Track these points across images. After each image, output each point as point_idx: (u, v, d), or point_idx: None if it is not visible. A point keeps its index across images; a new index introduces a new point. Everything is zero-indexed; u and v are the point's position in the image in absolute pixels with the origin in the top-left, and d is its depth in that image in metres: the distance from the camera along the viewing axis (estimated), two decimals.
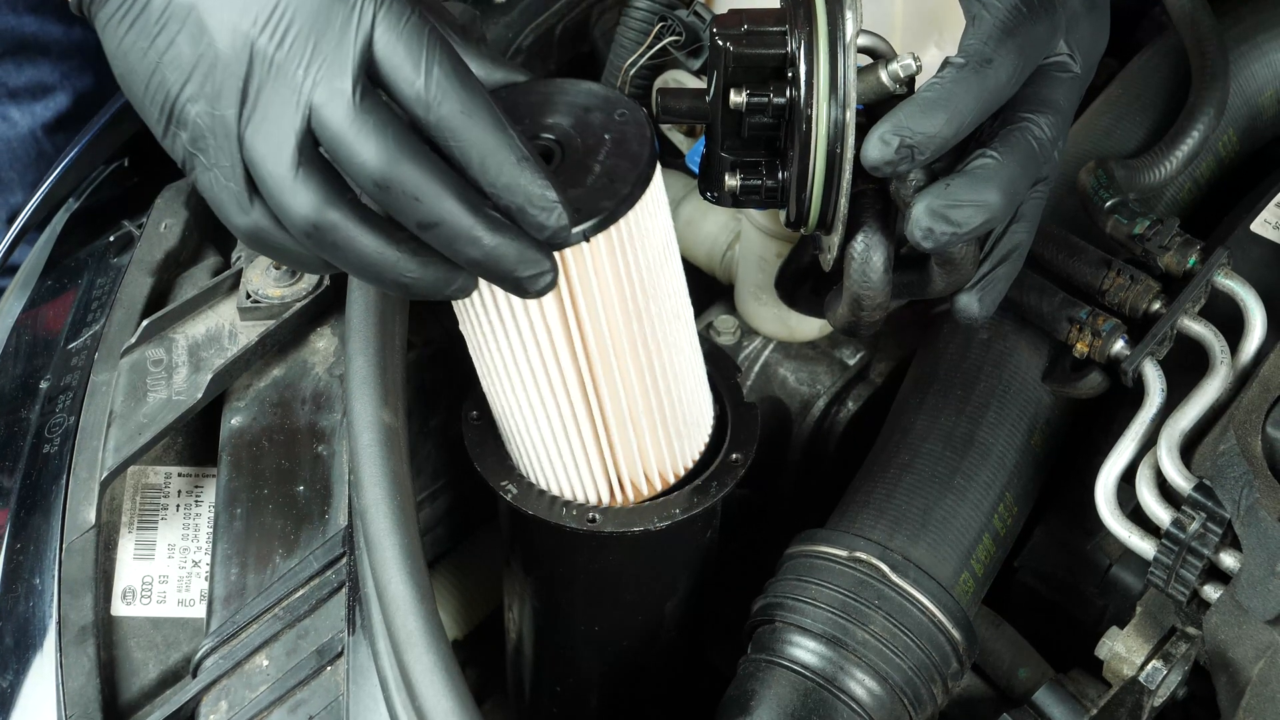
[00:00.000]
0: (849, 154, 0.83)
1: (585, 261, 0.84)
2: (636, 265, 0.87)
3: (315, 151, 0.76)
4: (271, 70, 0.76)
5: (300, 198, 0.76)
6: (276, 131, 0.76)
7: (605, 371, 0.91)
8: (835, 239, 0.88)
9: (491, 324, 0.90)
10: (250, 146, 0.76)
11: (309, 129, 0.76)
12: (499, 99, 0.79)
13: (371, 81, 0.76)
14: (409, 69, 0.76)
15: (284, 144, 0.75)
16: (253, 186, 0.78)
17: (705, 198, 0.90)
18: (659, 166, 0.87)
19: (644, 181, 0.86)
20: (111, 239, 1.17)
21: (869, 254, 0.86)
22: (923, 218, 0.83)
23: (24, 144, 1.47)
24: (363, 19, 0.76)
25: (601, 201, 0.83)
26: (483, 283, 0.84)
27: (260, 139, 0.76)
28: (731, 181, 0.88)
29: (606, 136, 0.87)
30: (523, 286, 0.80)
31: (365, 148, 0.75)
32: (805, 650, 0.98)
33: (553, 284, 0.80)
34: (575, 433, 0.95)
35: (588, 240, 0.83)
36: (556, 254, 0.81)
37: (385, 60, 0.76)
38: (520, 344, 0.90)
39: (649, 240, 0.88)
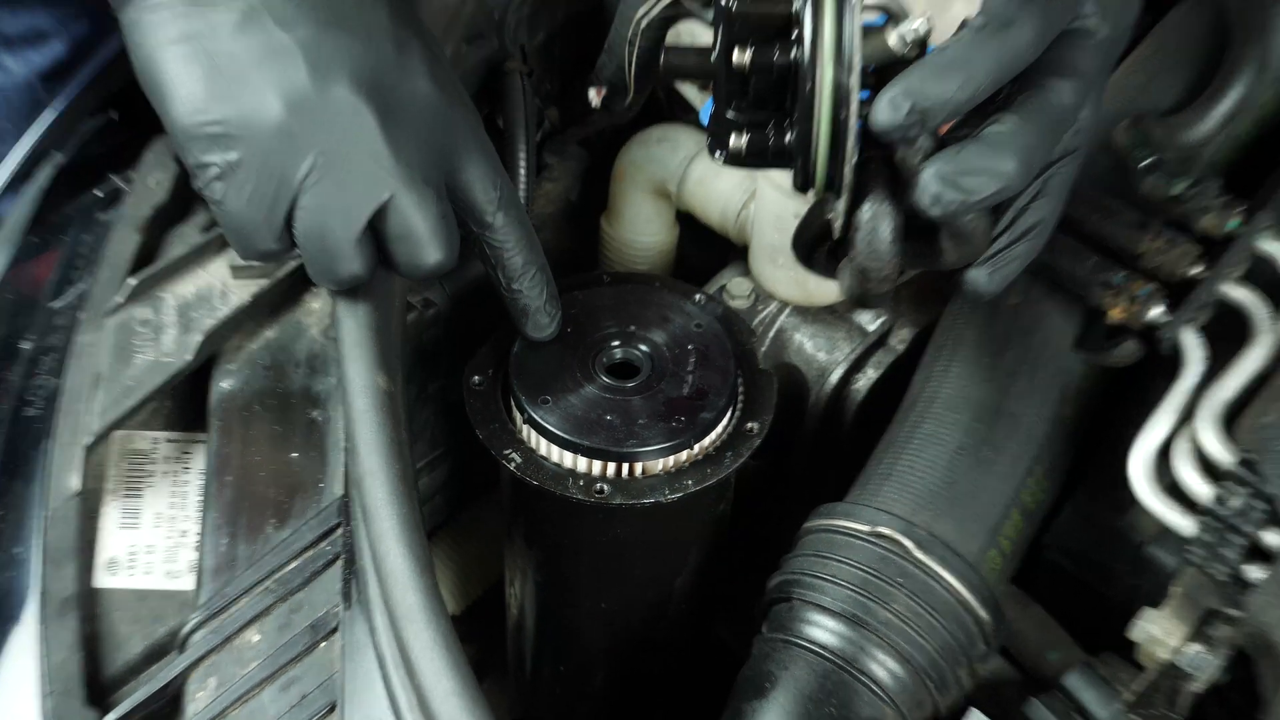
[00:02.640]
0: (853, 119, 0.82)
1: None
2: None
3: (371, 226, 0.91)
4: (368, 145, 0.89)
5: (356, 264, 0.91)
6: (353, 201, 0.89)
7: None
8: (842, 205, 0.87)
9: None
10: (315, 196, 0.89)
11: (381, 210, 0.90)
12: (577, 302, 1.06)
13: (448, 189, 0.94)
14: (488, 185, 0.96)
15: (358, 214, 0.89)
16: (289, 222, 0.89)
17: (713, 157, 0.89)
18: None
19: (734, 393, 1.02)
20: (98, 194, 1.16)
21: (876, 224, 0.85)
22: (931, 183, 0.82)
23: (20, 93, 1.47)
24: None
25: (701, 414, 1.00)
26: None
27: (329, 196, 0.89)
28: (737, 142, 0.87)
29: (690, 347, 1.04)
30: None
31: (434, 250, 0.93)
32: (824, 630, 0.97)
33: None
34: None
35: (690, 449, 0.99)
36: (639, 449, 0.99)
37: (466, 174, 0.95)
38: None
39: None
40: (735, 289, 1.24)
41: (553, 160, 1.36)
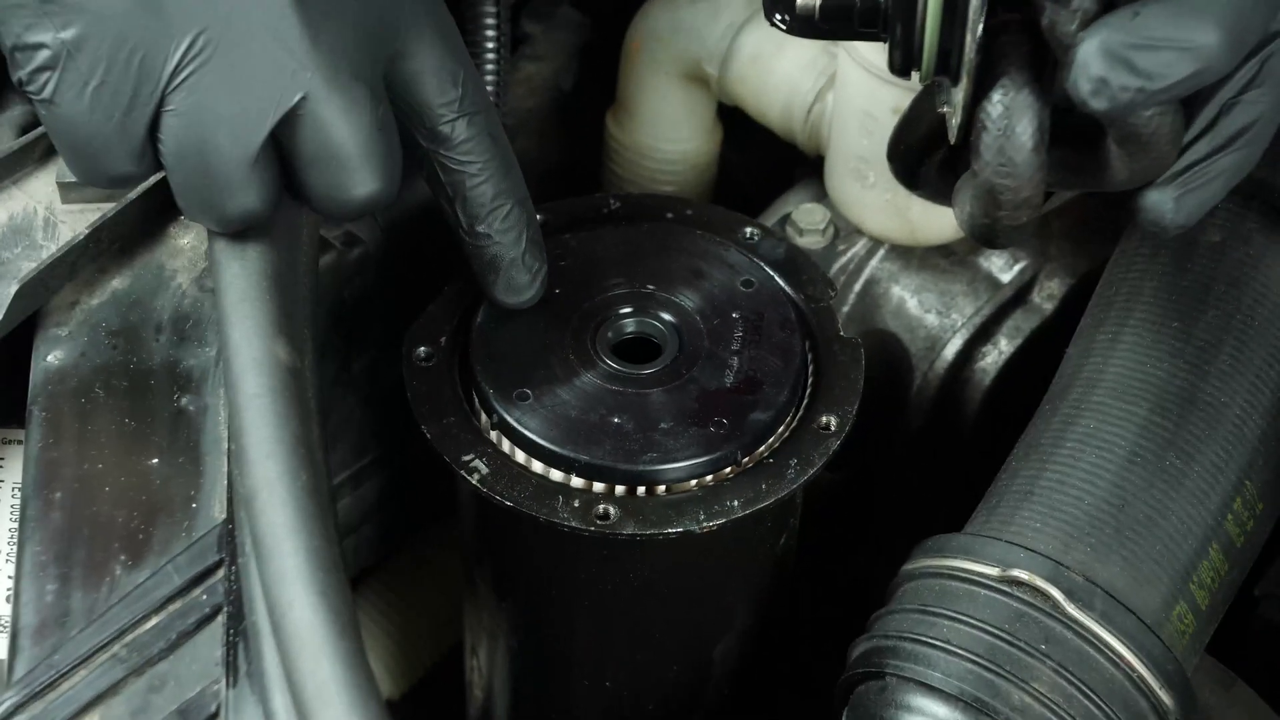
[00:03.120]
0: None
1: None
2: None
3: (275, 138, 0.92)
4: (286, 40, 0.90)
5: (250, 195, 0.92)
6: (249, 105, 0.89)
7: None
8: (962, 94, 0.87)
9: None
10: (193, 96, 0.89)
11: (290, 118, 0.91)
12: (569, 248, 1.08)
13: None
14: (445, 80, 0.97)
15: (256, 124, 0.90)
16: (152, 132, 0.90)
17: (773, 23, 0.90)
18: None
19: (801, 376, 1.04)
20: None
21: (1010, 122, 0.86)
22: (1094, 62, 0.81)
23: None
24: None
25: (751, 415, 1.01)
26: None
27: (213, 95, 0.89)
28: None
29: (735, 315, 1.05)
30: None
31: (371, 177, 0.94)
32: None
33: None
34: None
35: (736, 464, 1.01)
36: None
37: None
38: None
39: None
40: (804, 219, 1.24)
41: (535, 29, 1.36)
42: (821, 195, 1.26)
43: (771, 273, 1.08)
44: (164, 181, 1.02)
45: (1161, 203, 0.89)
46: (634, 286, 1.07)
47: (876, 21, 0.87)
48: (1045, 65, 0.86)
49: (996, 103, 0.86)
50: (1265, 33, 0.86)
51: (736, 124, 1.34)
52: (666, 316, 1.06)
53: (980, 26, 0.83)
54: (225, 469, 0.97)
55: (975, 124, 0.87)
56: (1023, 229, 0.90)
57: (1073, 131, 0.89)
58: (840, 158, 1.23)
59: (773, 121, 1.28)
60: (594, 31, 1.38)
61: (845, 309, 1.23)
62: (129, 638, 0.92)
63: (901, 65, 0.87)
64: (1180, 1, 0.82)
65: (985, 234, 0.91)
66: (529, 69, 1.35)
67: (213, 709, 0.90)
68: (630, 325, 1.06)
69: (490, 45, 1.20)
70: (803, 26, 0.89)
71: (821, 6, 0.88)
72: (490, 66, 1.20)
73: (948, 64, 0.86)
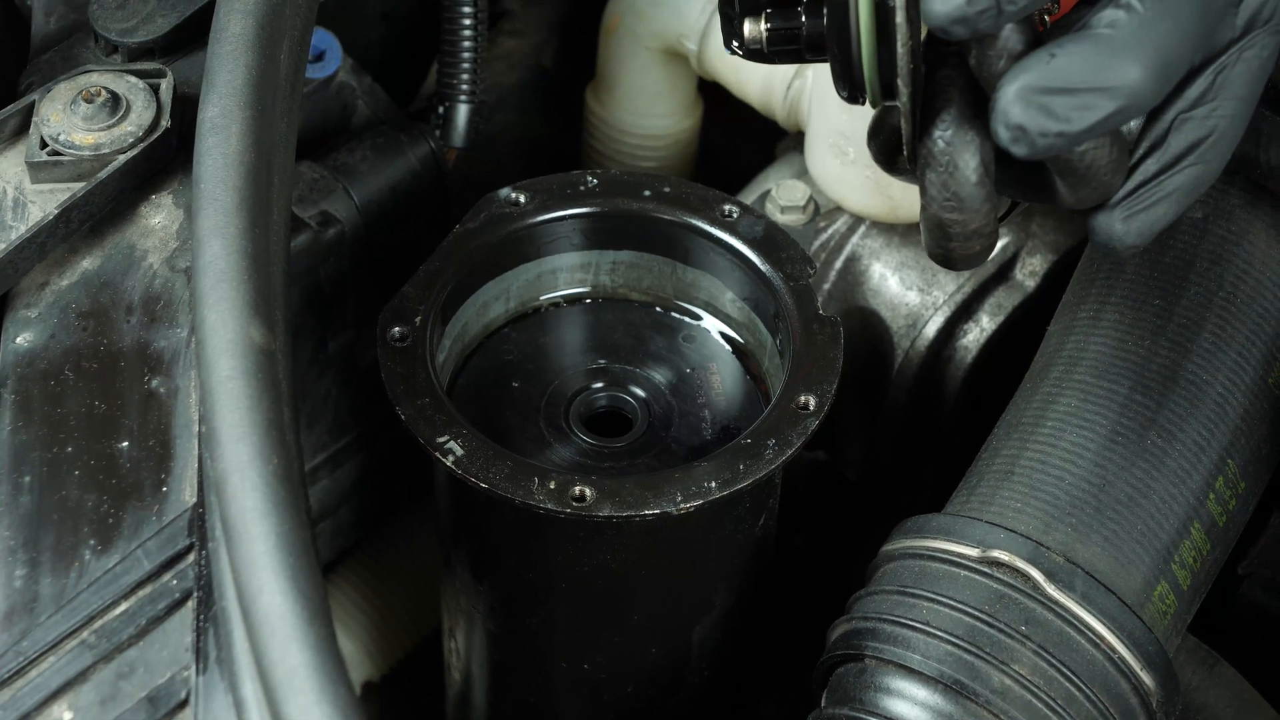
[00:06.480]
0: (900, 1, 0.81)
1: None
2: None
3: None
4: None
5: None
6: None
7: None
8: (906, 126, 0.87)
9: None
10: None
11: None
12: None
13: None
14: None
15: None
16: None
17: (731, 51, 0.91)
18: None
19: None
20: None
21: (953, 158, 0.86)
22: (1012, 108, 0.81)
23: None
24: None
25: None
26: None
27: None
28: (755, 28, 0.89)
29: (689, 370, 1.10)
30: None
31: None
32: (912, 703, 0.97)
33: None
34: None
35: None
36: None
37: None
38: None
39: None
40: (785, 196, 1.23)
41: (515, 4, 1.36)
42: (802, 172, 1.25)
43: (750, 253, 1.08)
44: (136, 161, 1.02)
45: (1109, 225, 0.89)
46: (588, 364, 1.11)
47: (819, 47, 0.88)
48: (987, 96, 0.86)
49: (937, 139, 0.86)
50: (1201, 53, 0.86)
51: (717, 100, 1.34)
52: (638, 390, 1.10)
53: (908, 61, 0.83)
54: (196, 452, 0.97)
55: (919, 160, 0.87)
56: (981, 254, 0.90)
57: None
58: (820, 134, 1.22)
59: (752, 97, 1.28)
60: (573, 6, 1.38)
61: (825, 287, 1.23)
62: (98, 624, 0.92)
63: (848, 94, 0.87)
64: (1098, 38, 0.82)
65: (943, 262, 0.91)
66: (508, 44, 1.35)
67: (182, 696, 0.90)
68: (602, 399, 1.10)
69: (468, 20, 1.20)
70: (752, 54, 0.90)
71: (768, 37, 0.89)
72: (468, 42, 1.20)
73: (891, 91, 0.86)
